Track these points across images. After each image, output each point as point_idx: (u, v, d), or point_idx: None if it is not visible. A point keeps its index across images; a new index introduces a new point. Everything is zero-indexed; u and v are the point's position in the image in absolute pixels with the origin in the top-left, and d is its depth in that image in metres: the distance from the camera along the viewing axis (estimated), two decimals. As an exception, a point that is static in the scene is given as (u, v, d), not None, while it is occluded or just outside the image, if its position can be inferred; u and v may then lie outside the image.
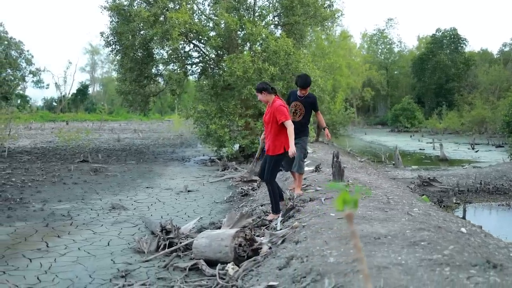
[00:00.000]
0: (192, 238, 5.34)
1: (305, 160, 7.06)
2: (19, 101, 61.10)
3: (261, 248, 4.54)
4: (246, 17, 13.65)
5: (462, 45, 51.32)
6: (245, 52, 14.34)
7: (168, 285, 4.14)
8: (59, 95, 70.11)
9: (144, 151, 18.54)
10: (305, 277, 3.53)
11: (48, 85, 66.98)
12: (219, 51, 14.30)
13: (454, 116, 35.04)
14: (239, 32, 13.89)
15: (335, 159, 6.94)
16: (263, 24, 13.23)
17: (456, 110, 38.20)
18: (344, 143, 21.90)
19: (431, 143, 24.21)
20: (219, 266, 4.29)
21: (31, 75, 61.16)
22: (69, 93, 70.53)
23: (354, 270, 3.29)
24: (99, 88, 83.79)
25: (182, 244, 5.10)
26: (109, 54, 15.34)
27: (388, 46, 62.23)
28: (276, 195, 5.76)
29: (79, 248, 5.34)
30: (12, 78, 57.69)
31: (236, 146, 14.56)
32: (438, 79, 49.12)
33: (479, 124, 32.15)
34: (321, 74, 14.45)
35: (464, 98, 39.93)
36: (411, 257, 3.49)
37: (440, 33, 52.28)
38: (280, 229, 5.07)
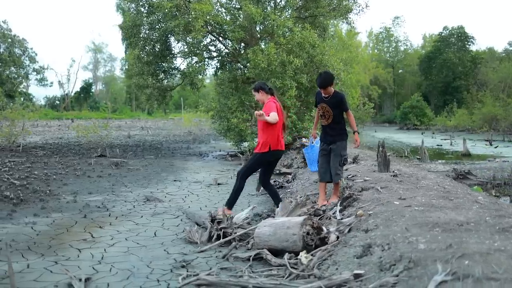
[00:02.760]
0: (244, 228, 5.11)
1: (344, 166, 6.21)
2: (22, 99, 60.96)
3: (327, 237, 4.30)
4: (268, 8, 13.42)
5: (469, 43, 51.07)
6: (262, 45, 14.08)
7: (234, 275, 3.89)
8: (62, 93, 69.85)
9: (158, 147, 18.32)
10: (394, 264, 3.30)
11: (51, 83, 66.82)
12: (236, 45, 14.03)
13: (464, 114, 34.81)
14: (258, 25, 13.63)
15: (380, 148, 6.70)
16: (286, 15, 12.99)
17: (465, 108, 37.98)
18: (360, 139, 21.66)
19: (446, 139, 23.99)
20: (287, 255, 4.05)
21: (35, 73, 61.05)
22: (72, 91, 70.22)
23: (455, 256, 3.06)
24: (101, 87, 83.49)
25: (238, 234, 4.86)
26: (127, 47, 15.07)
27: (394, 44, 61.98)
28: (237, 192, 5.72)
29: (126, 239, 5.12)
30: (16, 76, 57.55)
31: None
32: (445, 77, 48.87)
33: (489, 121, 31.88)
34: (343, 67, 14.24)
35: (473, 96, 39.67)
36: (508, 244, 3.26)
37: (447, 31, 52.02)
38: (341, 218, 4.84)
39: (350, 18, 14.39)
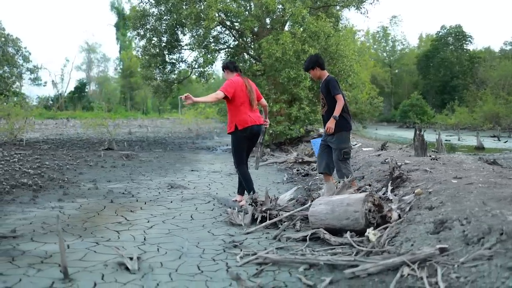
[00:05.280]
0: (288, 211, 4.84)
1: (346, 160, 5.43)
2: (15, 99, 59.72)
3: (387, 215, 4.03)
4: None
5: (467, 43, 51.17)
6: (270, 36, 13.79)
7: (295, 254, 3.60)
8: (56, 93, 68.92)
9: (163, 142, 17.98)
10: (483, 237, 3.05)
11: (45, 82, 65.90)
12: (250, 35, 13.69)
13: (465, 112, 34.80)
14: (270, 15, 13.34)
15: (417, 132, 6.46)
16: (299, 4, 12.70)
17: (464, 106, 37.98)
18: (366, 135, 21.52)
19: (452, 135, 23.96)
20: (348, 233, 3.78)
21: (29, 72, 60.17)
22: (65, 91, 69.28)
23: (557, 226, 2.81)
24: (94, 87, 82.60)
25: (285, 215, 4.59)
26: (135, 38, 14.68)
27: (391, 44, 61.99)
28: (245, 178, 5.56)
29: (163, 222, 4.84)
30: (9, 75, 56.70)
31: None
32: (443, 76, 48.92)
33: (489, 119, 31.82)
34: (357, 58, 14.01)
35: (473, 94, 39.69)
36: None
37: (445, 30, 52.10)
38: (394, 197, 4.57)
39: (364, 8, 14.16)
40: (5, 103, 22.45)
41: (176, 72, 15.43)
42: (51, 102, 68.74)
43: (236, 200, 5.64)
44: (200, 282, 3.09)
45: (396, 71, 61.72)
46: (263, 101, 6.00)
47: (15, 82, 59.51)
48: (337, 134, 5.37)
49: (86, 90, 73.03)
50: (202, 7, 12.02)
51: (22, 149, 13.04)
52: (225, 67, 5.79)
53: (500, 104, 31.90)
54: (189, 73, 15.10)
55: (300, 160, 9.20)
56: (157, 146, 15.88)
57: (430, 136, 24.76)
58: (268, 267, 3.34)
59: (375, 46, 62.97)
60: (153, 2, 13.73)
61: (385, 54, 62.22)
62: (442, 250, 3.07)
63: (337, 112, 5.25)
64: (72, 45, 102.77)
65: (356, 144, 9.54)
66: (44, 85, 63.21)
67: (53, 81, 68.07)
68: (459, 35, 51.20)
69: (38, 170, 8.41)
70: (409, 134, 30.46)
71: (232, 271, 3.04)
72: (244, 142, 5.59)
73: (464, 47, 51.08)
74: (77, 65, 76.66)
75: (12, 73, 58.09)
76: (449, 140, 21.66)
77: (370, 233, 3.61)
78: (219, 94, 5.31)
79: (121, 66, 74.08)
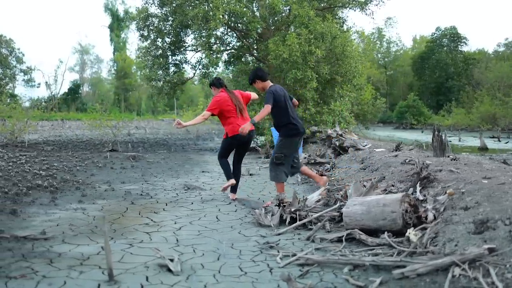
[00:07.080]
0: (316, 212, 4.81)
1: (278, 163, 5.62)
2: (8, 100, 59.04)
3: (421, 215, 4.03)
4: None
5: (462, 44, 51.53)
6: (277, 37, 13.78)
7: (336, 254, 3.58)
8: (49, 95, 68.38)
9: (165, 143, 17.91)
10: (531, 237, 3.05)
11: (39, 84, 65.49)
12: (256, 36, 13.64)
13: (462, 113, 35.01)
14: (276, 16, 13.34)
15: (436, 133, 6.47)
16: (306, 5, 12.71)
17: (460, 107, 38.22)
18: (369, 136, 21.60)
19: (451, 136, 24.15)
20: (386, 234, 3.77)
21: (22, 74, 59.72)
22: (58, 93, 68.74)
23: None
24: (88, 89, 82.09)
25: (315, 215, 4.57)
26: (139, 39, 14.59)
27: (386, 45, 62.30)
28: (225, 167, 6.32)
29: (190, 223, 4.80)
30: (2, 77, 56.20)
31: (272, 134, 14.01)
32: (438, 78, 49.21)
33: (486, 119, 32.00)
34: (361, 59, 14.05)
35: (469, 95, 39.94)
36: None
37: (440, 31, 52.45)
38: (424, 199, 4.56)
39: (369, 9, 14.18)
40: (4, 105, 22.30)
41: (177, 73, 15.31)
42: (44, 103, 68.14)
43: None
44: (247, 283, 3.06)
45: (391, 72, 62.02)
46: (253, 94, 6.55)
47: (8, 84, 59.04)
48: (278, 140, 5.76)
49: (80, 91, 72.53)
50: (207, 8, 11.97)
51: (26, 151, 12.92)
52: (212, 84, 6.37)
53: (497, 105, 32.16)
54: (193, 74, 15.04)
55: (313, 161, 9.17)
56: (160, 147, 15.81)
57: (431, 137, 24.89)
58: (311, 268, 3.32)
59: (370, 48, 63.22)
60: (157, 2, 13.67)
61: (379, 56, 62.51)
62: (490, 250, 3.06)
63: (257, 118, 5.56)
64: (65, 46, 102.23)
65: (366, 144, 9.55)
66: (37, 87, 62.78)
67: (46, 82, 67.58)
68: (454, 36, 51.56)
69: (48, 171, 8.32)
70: (408, 135, 30.67)
71: (283, 272, 3.01)
72: (233, 146, 6.25)
73: (459, 48, 51.43)
74: (70, 66, 76.06)
75: (5, 74, 57.57)
76: (450, 141, 21.79)
77: (411, 233, 3.60)
78: (206, 114, 6.04)
79: (115, 68, 73.65)
